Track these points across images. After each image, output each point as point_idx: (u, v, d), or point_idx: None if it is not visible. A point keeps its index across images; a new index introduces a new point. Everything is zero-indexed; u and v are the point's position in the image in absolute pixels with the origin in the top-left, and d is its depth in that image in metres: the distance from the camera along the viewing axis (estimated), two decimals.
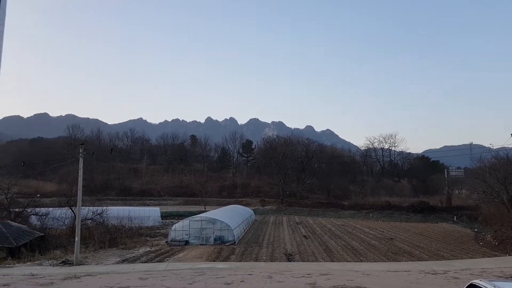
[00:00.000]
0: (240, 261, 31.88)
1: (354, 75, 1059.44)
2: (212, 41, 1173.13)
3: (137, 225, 50.56)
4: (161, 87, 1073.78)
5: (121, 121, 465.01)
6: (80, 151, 31.24)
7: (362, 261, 32.23)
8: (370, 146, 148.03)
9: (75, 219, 35.15)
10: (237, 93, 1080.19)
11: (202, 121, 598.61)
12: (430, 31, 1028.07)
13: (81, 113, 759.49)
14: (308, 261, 32.41)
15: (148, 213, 60.86)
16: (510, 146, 60.90)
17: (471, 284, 15.28)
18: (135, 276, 23.47)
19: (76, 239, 29.51)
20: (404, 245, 41.18)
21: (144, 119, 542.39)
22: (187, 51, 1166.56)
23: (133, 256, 34.09)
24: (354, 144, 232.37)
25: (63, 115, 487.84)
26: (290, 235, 49.11)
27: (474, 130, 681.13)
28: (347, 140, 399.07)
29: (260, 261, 31.82)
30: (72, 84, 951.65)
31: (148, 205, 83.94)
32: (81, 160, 30.89)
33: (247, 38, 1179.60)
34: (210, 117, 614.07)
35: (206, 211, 60.78)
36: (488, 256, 34.43)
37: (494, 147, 69.82)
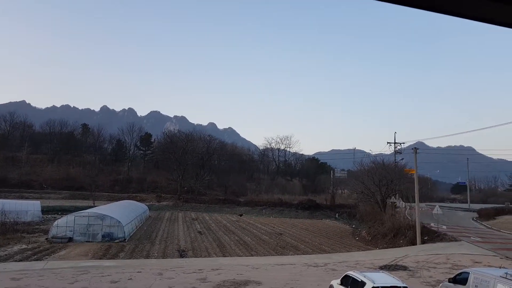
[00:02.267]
0: (130, 258, 30.83)
1: (258, 76, 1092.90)
2: (114, 25, 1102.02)
3: (12, 220, 45.03)
4: (50, 67, 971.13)
5: (0, 103, 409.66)
6: None
7: (253, 256, 33.61)
8: (268, 146, 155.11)
9: None
10: (138, 83, 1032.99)
11: (97, 109, 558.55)
12: (322, 47, 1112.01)
13: None
14: (201, 256, 32.67)
15: (26, 207, 54.77)
16: (386, 153, 69.05)
17: (346, 275, 17.12)
18: (6, 276, 21.08)
19: None
20: (291, 240, 43.98)
21: (27, 102, 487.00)
22: (84, 29, 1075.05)
23: (5, 255, 30.62)
24: (253, 143, 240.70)
25: None
26: (184, 231, 48.78)
27: (359, 137, 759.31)
28: (248, 139, 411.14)
29: (152, 258, 31.12)
30: None
31: (27, 198, 75.27)
32: None
33: (154, 29, 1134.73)
34: (106, 105, 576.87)
35: (95, 206, 57.17)
36: (362, 250, 38.70)
37: (373, 153, 78.64)
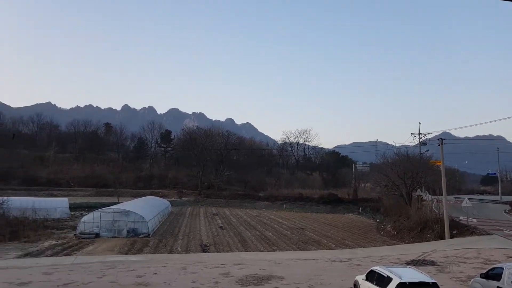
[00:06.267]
0: (154, 253, 31.23)
1: (275, 71, 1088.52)
2: (131, 27, 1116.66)
3: (42, 217, 46.65)
4: (73, 69, 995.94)
5: (27, 105, 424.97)
6: None
7: (275, 251, 33.47)
8: (287, 140, 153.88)
9: None
10: (157, 81, 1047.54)
11: (119, 108, 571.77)
12: (346, 34, 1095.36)
13: None
14: (223, 251, 32.79)
15: (55, 204, 56.32)
16: (410, 145, 67.31)
17: (371, 270, 16.73)
18: (39, 271, 21.73)
19: None
20: (313, 235, 43.63)
21: (53, 103, 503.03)
22: (102, 32, 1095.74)
23: (37, 250, 31.56)
24: (272, 137, 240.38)
25: None
26: (206, 227, 49.15)
27: (380, 129, 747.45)
28: (266, 133, 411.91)
29: (175, 253, 31.46)
30: None
31: (55, 195, 77.63)
32: None
33: (168, 27, 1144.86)
34: (127, 104, 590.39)
35: (120, 202, 58.29)
36: (388, 245, 37.77)
37: (396, 145, 76.84)
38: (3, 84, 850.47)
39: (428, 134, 61.52)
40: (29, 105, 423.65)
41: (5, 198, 44.55)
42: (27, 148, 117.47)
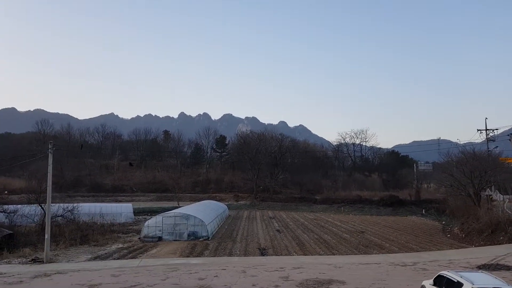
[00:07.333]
0: (214, 256, 31.82)
1: (328, 72, 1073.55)
2: (184, 36, 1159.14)
3: (109, 221, 49.59)
4: (133, 82, 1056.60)
5: (92, 116, 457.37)
6: (49, 147, 30.36)
7: (334, 254, 32.70)
8: (342, 141, 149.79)
9: (44, 216, 34.05)
10: (211, 89, 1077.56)
11: (175, 116, 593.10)
12: (403, 30, 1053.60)
13: (50, 108, 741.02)
14: (281, 255, 32.66)
15: (120, 210, 59.66)
16: (476, 141, 62.82)
17: (439, 275, 15.80)
18: (107, 273, 23.07)
19: (46, 236, 28.66)
20: (374, 238, 42.12)
21: (115, 114, 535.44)
22: (158, 45, 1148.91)
23: (105, 253, 33.39)
24: (326, 139, 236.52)
25: (32, 110, 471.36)
26: (263, 230, 49.33)
27: (442, 126, 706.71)
28: (320, 135, 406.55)
29: (234, 256, 31.84)
30: (40, 78, 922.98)
31: (120, 201, 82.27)
32: (50, 156, 29.99)
33: (221, 33, 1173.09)
34: (183, 112, 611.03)
35: (180, 206, 60.29)
36: (455, 248, 35.55)
37: (461, 142, 72.07)
38: (70, 98, 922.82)
39: (496, 129, 56.86)
40: (94, 116, 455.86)
41: (75, 204, 47.83)
42: (93, 157, 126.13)
